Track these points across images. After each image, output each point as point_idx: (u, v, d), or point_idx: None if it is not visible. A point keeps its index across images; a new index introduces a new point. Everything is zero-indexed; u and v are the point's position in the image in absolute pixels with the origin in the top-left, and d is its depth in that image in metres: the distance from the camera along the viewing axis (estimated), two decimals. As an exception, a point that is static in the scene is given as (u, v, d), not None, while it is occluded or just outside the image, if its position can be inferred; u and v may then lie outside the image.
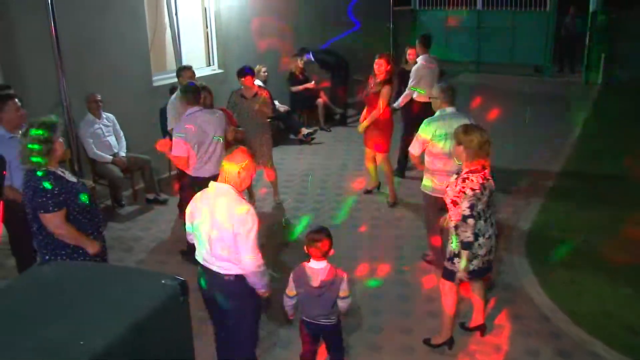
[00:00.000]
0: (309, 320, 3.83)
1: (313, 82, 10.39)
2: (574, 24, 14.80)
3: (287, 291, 3.82)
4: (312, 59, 10.64)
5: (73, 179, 3.82)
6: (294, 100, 10.30)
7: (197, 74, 8.87)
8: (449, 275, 4.32)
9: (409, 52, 8.38)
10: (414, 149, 5.35)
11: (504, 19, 15.33)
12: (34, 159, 3.56)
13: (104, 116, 7.05)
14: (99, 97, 6.93)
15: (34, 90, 6.32)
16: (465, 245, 4.09)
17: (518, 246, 6.04)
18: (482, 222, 4.12)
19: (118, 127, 7.23)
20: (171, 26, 8.77)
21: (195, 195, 3.68)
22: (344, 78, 11.30)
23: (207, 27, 9.39)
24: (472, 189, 3.99)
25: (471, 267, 4.19)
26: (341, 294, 3.70)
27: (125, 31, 7.63)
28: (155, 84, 8.20)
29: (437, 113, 5.31)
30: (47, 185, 3.55)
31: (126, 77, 7.64)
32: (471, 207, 4.00)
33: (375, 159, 7.19)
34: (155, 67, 8.33)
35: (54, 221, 3.59)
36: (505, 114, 10.28)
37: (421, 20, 16.04)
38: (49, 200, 3.55)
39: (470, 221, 4.02)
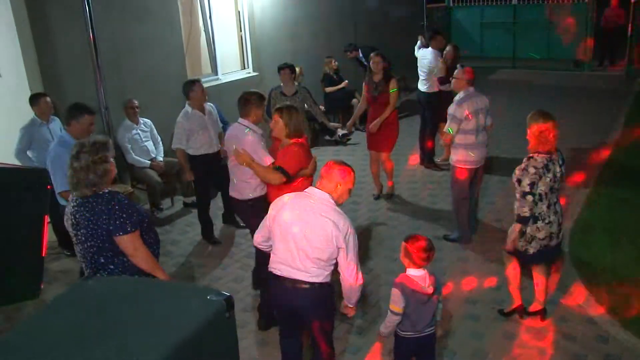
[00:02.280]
0: (411, 335, 3.60)
1: (346, 81, 10.35)
2: (615, 15, 14.37)
3: (392, 307, 3.54)
4: (361, 55, 10.55)
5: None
6: (329, 101, 10.28)
7: (232, 78, 8.99)
8: (512, 251, 4.51)
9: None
10: (452, 128, 5.67)
11: (540, 13, 15.03)
12: (102, 182, 3.31)
13: (142, 121, 7.15)
14: (136, 103, 7.02)
15: (72, 96, 6.40)
16: (521, 220, 4.30)
17: (560, 245, 5.88)
18: (544, 206, 4.28)
19: (155, 132, 7.31)
20: (206, 30, 8.84)
21: (282, 197, 3.56)
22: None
23: (241, 31, 9.44)
24: (535, 167, 4.19)
25: (531, 250, 4.38)
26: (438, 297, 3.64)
27: (161, 37, 7.72)
28: (191, 89, 8.26)
29: (462, 93, 5.74)
30: (122, 204, 3.30)
31: (162, 82, 7.73)
32: (531, 185, 4.19)
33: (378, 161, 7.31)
34: (191, 71, 8.41)
35: (134, 242, 3.32)
36: (544, 109, 10.06)
37: (455, 16, 15.84)
38: (127, 219, 3.28)
39: (529, 198, 4.22)
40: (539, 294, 4.69)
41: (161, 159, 7.28)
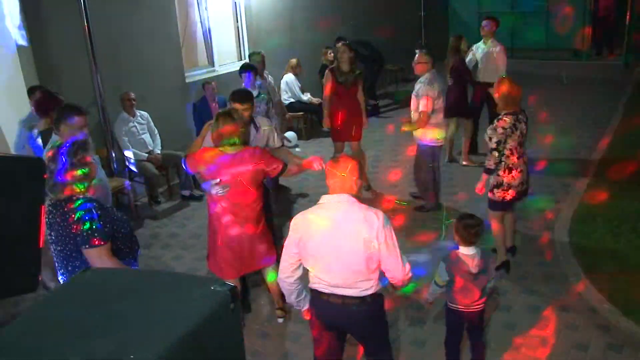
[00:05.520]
0: (459, 308, 3.73)
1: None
2: (612, 4, 14.31)
3: (437, 279, 3.71)
4: None
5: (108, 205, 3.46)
6: (326, 92, 10.20)
7: (229, 69, 8.93)
8: (493, 205, 5.02)
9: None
10: (429, 108, 5.99)
11: (538, 2, 14.94)
12: (79, 186, 3.06)
13: (138, 114, 7.10)
14: (132, 95, 6.97)
15: (68, 89, 6.35)
16: (486, 170, 4.89)
17: (561, 234, 5.88)
18: (515, 158, 4.80)
19: (152, 124, 7.27)
20: (202, 22, 8.77)
21: (299, 216, 3.21)
22: (378, 69, 11.19)
23: (237, 22, 9.37)
24: (503, 127, 4.71)
25: (508, 197, 4.90)
26: (491, 276, 3.75)
27: (157, 28, 7.65)
28: (187, 80, 8.22)
29: (428, 75, 6.08)
30: (93, 215, 3.01)
31: (159, 74, 7.67)
32: (498, 142, 4.73)
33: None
34: (187, 63, 8.35)
35: (102, 256, 3.02)
36: (543, 99, 10.06)
37: (453, 7, 15.75)
38: (95, 232, 2.99)
39: (495, 153, 4.77)
40: (509, 238, 5.28)
41: (158, 151, 7.23)
